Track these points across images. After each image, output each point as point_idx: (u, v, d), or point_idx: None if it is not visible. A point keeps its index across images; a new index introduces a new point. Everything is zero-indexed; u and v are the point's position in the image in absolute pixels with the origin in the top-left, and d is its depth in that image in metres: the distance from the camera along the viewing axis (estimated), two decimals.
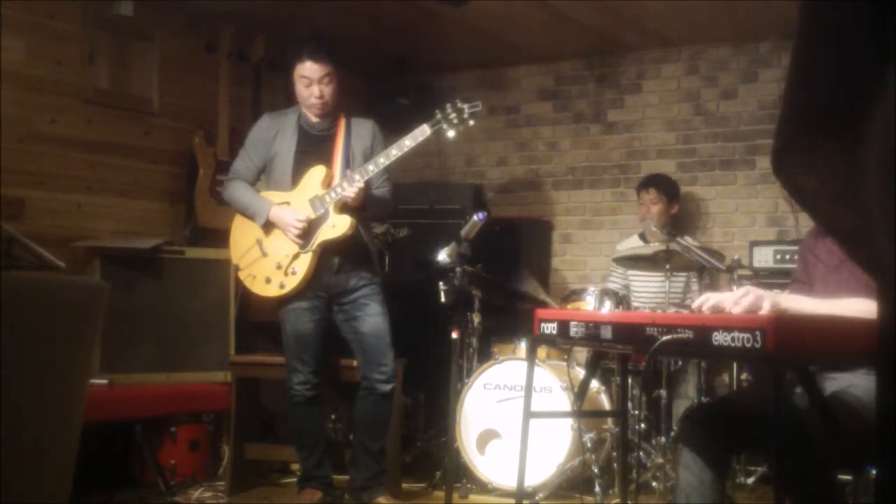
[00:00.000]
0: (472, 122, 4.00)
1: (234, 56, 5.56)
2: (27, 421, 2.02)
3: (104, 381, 4.47)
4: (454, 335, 4.07)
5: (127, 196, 5.22)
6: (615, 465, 4.30)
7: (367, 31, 5.76)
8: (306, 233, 4.03)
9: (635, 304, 5.15)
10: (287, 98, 5.16)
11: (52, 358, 2.07)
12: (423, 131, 3.93)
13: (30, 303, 2.02)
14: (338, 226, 4.02)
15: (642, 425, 4.49)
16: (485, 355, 4.90)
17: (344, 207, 4.02)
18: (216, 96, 5.46)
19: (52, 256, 2.52)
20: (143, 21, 5.16)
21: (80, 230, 4.91)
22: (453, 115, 3.96)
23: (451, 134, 3.99)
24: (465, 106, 3.97)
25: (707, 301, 2.55)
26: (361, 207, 4.06)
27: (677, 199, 5.47)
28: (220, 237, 5.04)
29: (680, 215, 5.65)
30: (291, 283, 4.06)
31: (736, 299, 2.41)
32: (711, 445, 2.58)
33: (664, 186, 5.38)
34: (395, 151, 3.94)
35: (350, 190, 3.94)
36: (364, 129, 4.19)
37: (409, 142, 3.93)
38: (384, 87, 6.48)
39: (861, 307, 2.37)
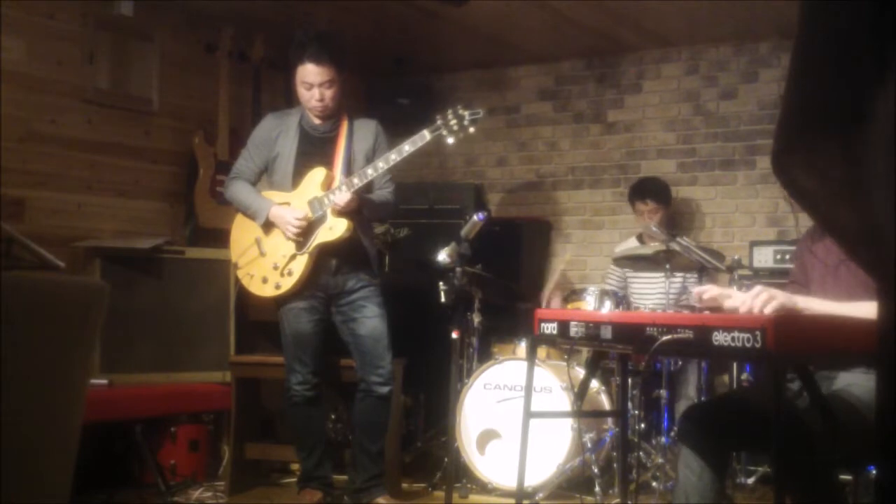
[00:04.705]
0: (472, 130, 3.98)
1: (234, 56, 5.56)
2: (27, 421, 2.02)
3: (104, 381, 4.48)
4: (454, 335, 4.07)
5: (127, 196, 5.22)
6: (615, 465, 4.30)
7: (367, 31, 5.76)
8: (305, 232, 4.03)
9: (635, 304, 5.15)
10: (287, 98, 5.18)
11: (52, 358, 2.08)
12: (422, 137, 3.92)
13: (30, 303, 2.02)
14: (335, 228, 4.01)
15: (642, 425, 4.49)
16: (485, 355, 4.89)
17: (342, 210, 4.02)
18: (216, 96, 5.46)
19: (52, 256, 2.52)
20: (143, 21, 5.16)
21: (80, 230, 4.91)
22: (454, 122, 3.94)
23: (450, 140, 3.97)
24: (466, 113, 3.95)
25: (708, 291, 2.55)
26: (356, 212, 4.05)
27: (671, 200, 5.47)
28: (220, 237, 5.04)
29: (675, 214, 5.65)
30: (287, 283, 4.06)
31: (750, 300, 2.39)
32: (711, 444, 2.59)
33: (660, 195, 5.34)
34: (395, 156, 3.93)
35: (340, 198, 3.94)
36: (366, 129, 4.18)
37: (408, 147, 3.92)
38: (384, 88, 6.48)
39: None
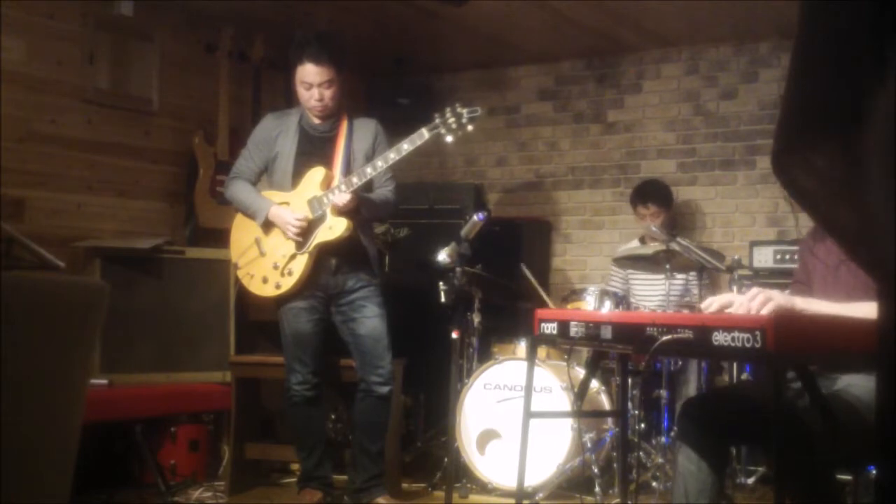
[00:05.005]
0: (470, 128, 3.97)
1: (234, 56, 5.56)
2: (27, 421, 2.02)
3: (104, 381, 4.48)
4: (454, 335, 4.07)
5: (127, 196, 5.22)
6: (615, 465, 4.30)
7: (367, 31, 5.76)
8: (304, 232, 4.03)
9: (636, 305, 5.15)
10: (287, 98, 5.18)
11: (52, 358, 2.07)
12: (420, 135, 3.92)
13: (30, 303, 2.02)
14: (335, 227, 4.02)
15: (642, 425, 4.49)
16: (485, 355, 4.89)
17: (341, 210, 4.02)
18: (216, 96, 5.46)
19: (52, 256, 2.52)
20: (143, 21, 5.16)
21: (80, 230, 4.91)
22: (452, 120, 3.94)
23: (449, 139, 3.97)
24: (465, 111, 3.95)
25: (712, 304, 2.54)
26: (355, 212, 4.05)
27: (673, 202, 5.47)
28: (220, 237, 5.04)
29: (675, 215, 5.65)
30: (287, 283, 4.06)
31: (747, 302, 2.39)
32: (710, 442, 2.59)
33: (662, 199, 5.33)
34: (393, 155, 3.93)
35: (339, 198, 3.94)
36: (366, 129, 4.19)
37: (407, 146, 3.92)
38: (384, 87, 6.48)
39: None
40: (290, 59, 4.09)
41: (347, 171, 4.07)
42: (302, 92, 4.08)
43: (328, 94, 4.05)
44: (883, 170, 0.98)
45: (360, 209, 4.06)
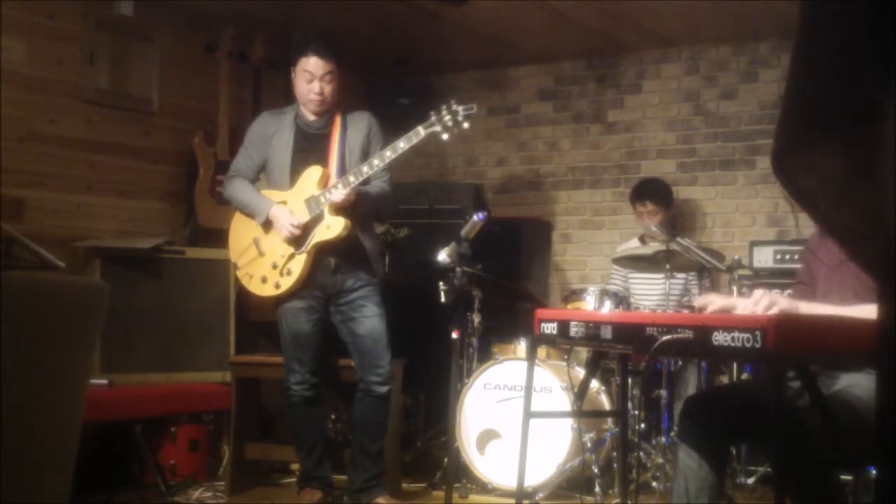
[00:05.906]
0: (466, 125, 3.98)
1: (234, 56, 5.56)
2: (27, 421, 2.02)
3: (104, 381, 4.48)
4: (454, 335, 4.07)
5: (127, 196, 5.22)
6: (615, 465, 4.30)
7: (367, 31, 5.76)
8: (303, 232, 4.04)
9: (635, 305, 5.15)
10: (287, 98, 5.17)
11: (52, 358, 2.07)
12: (416, 133, 3.93)
13: (30, 303, 2.02)
14: (332, 227, 4.02)
15: (642, 425, 4.49)
16: (485, 355, 4.89)
17: (339, 208, 4.02)
18: (216, 96, 5.46)
19: (52, 256, 2.52)
20: (143, 21, 5.16)
21: (80, 230, 4.91)
22: (448, 118, 3.95)
23: (445, 137, 3.98)
24: (460, 108, 3.95)
25: (712, 304, 2.54)
26: (353, 209, 4.05)
27: (673, 201, 5.46)
28: (220, 237, 5.04)
29: (675, 214, 5.65)
30: (286, 283, 4.06)
31: (752, 305, 2.39)
32: (711, 444, 2.59)
33: (660, 197, 5.32)
34: (390, 153, 3.94)
35: (337, 195, 3.95)
36: (360, 122, 4.20)
37: (403, 143, 3.93)
38: (384, 87, 6.48)
39: None
40: (292, 55, 4.11)
41: (343, 166, 4.08)
42: (302, 84, 4.09)
43: (328, 88, 4.07)
44: (883, 170, 0.98)
45: (359, 204, 4.06)
